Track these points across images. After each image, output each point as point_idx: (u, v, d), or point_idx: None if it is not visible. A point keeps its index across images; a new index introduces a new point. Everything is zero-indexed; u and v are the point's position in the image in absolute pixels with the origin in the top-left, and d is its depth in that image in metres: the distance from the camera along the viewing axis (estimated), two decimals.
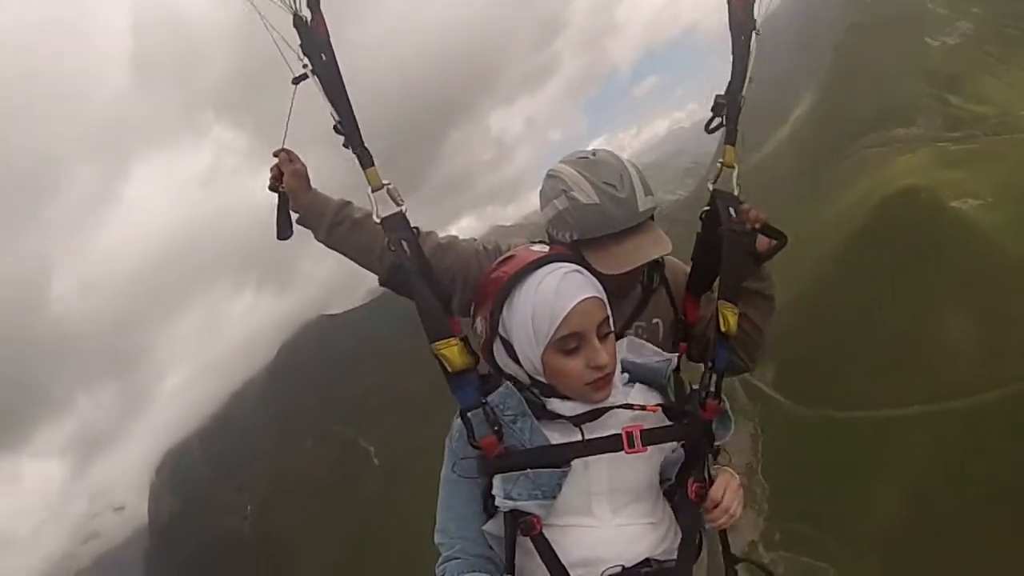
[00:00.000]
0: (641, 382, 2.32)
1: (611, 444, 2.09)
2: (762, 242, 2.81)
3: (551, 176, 2.69)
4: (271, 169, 2.83)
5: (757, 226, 2.76)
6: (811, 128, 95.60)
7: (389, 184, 2.38)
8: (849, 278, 61.98)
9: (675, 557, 2.19)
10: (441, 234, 2.92)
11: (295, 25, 2.31)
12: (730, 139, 2.78)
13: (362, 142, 2.41)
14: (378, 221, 2.34)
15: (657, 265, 2.94)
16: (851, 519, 49.42)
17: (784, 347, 58.25)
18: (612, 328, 2.17)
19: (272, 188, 2.81)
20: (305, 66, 2.32)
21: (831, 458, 53.62)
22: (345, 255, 2.90)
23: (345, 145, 2.42)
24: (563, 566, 2.08)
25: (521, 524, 2.09)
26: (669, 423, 2.23)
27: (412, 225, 2.46)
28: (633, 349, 2.41)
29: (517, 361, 2.16)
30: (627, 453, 2.08)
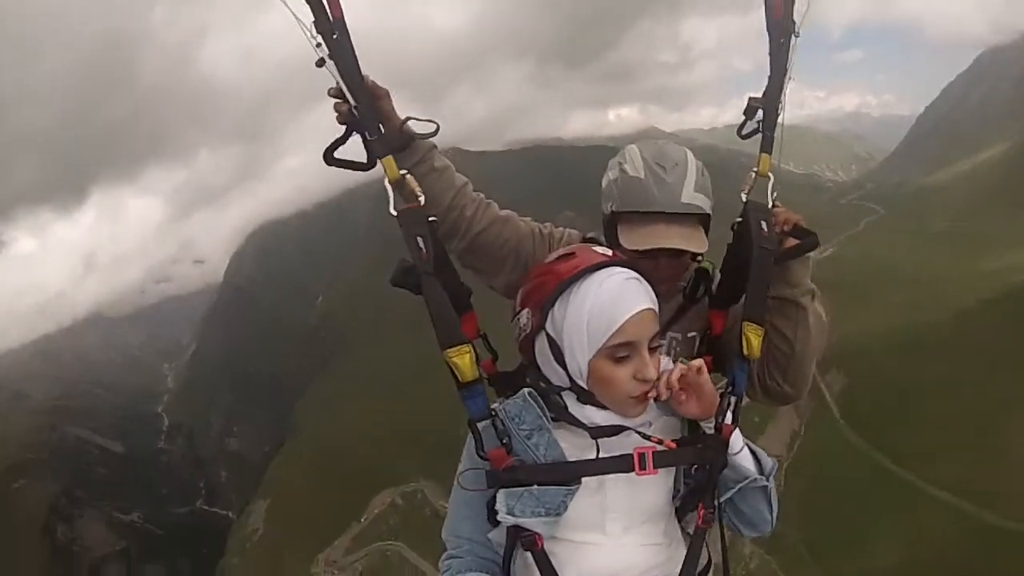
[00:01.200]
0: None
1: (621, 465, 2.04)
2: (790, 243, 2.65)
3: (620, 153, 2.72)
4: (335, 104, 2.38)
5: (787, 228, 2.63)
6: None
7: (407, 175, 2.27)
8: (990, 328, 60.20)
9: None
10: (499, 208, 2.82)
11: (308, 1, 2.16)
12: (766, 147, 2.66)
13: (377, 127, 2.28)
14: (394, 215, 2.21)
15: (704, 275, 2.80)
16: (839, 552, 50.45)
17: (870, 364, 57.06)
18: (659, 343, 2.12)
19: (343, 122, 2.36)
20: (318, 46, 2.17)
21: (855, 491, 53.24)
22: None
23: (358, 131, 2.30)
24: None
25: (523, 539, 2.06)
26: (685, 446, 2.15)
27: (474, 193, 2.56)
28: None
29: (561, 362, 2.07)
30: (637, 475, 2.03)
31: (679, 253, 2.60)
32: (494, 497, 2.05)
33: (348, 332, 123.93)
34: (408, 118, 2.40)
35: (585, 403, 2.08)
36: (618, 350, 1.97)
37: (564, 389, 2.10)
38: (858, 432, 59.58)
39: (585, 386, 2.05)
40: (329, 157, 2.41)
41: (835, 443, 59.69)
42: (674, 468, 2.15)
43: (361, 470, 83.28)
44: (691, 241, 2.54)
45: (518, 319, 2.18)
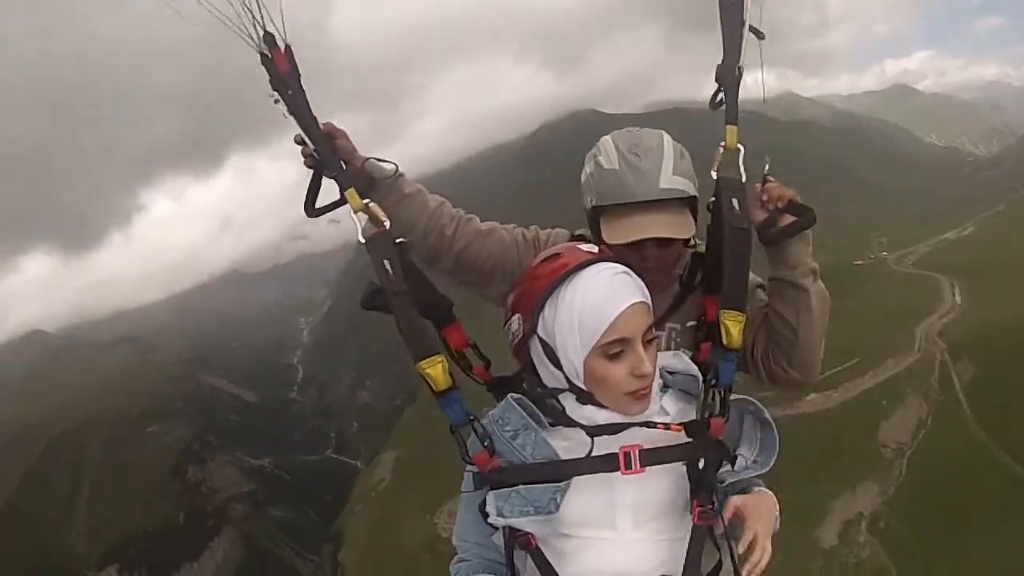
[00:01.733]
0: (680, 389, 2.24)
1: (606, 464, 2.02)
2: (786, 221, 2.54)
3: (594, 147, 2.67)
4: (300, 148, 2.50)
5: (781, 204, 2.53)
6: None
7: (370, 203, 2.30)
8: None
9: None
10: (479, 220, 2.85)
11: (262, 63, 2.27)
12: (730, 118, 2.49)
13: (339, 164, 2.37)
14: (362, 242, 2.25)
15: (700, 260, 2.66)
16: (950, 549, 48.88)
17: (1002, 355, 54.50)
18: (655, 335, 2.09)
19: (309, 165, 2.49)
20: (276, 101, 2.29)
21: (975, 488, 51.04)
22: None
23: (321, 171, 2.42)
24: None
25: (518, 539, 2.08)
26: (678, 442, 2.11)
27: (453, 210, 2.68)
28: (675, 360, 2.29)
29: (556, 363, 2.07)
30: (623, 474, 2.01)
31: (666, 242, 2.52)
32: (485, 500, 2.07)
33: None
34: (369, 158, 2.51)
35: (585, 403, 2.08)
36: (612, 347, 1.97)
37: (562, 391, 2.10)
38: (984, 427, 56.59)
39: (583, 386, 2.05)
40: (310, 208, 2.53)
41: (960, 436, 56.96)
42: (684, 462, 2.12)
43: None
44: (674, 228, 2.48)
45: (510, 325, 2.20)
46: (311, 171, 2.46)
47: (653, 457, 2.03)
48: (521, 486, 2.00)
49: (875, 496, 56.78)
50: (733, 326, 2.30)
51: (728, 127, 2.48)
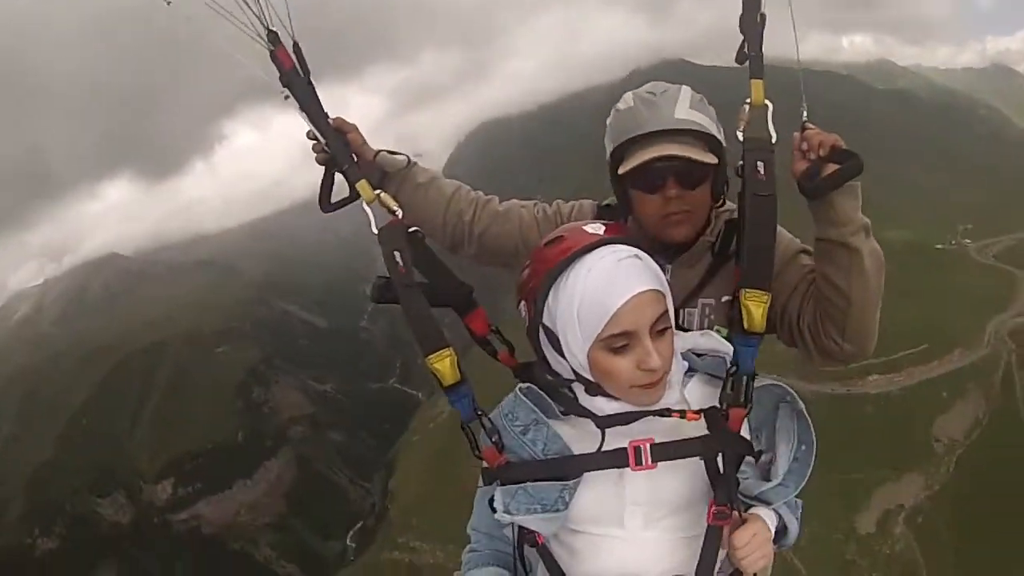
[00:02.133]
0: (707, 372, 2.09)
1: (616, 460, 1.92)
2: (829, 170, 2.24)
3: None
4: (312, 144, 2.53)
5: (823, 152, 2.24)
6: None
7: (381, 193, 2.28)
8: None
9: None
10: (499, 201, 2.81)
11: (272, 60, 2.27)
12: (755, 72, 2.26)
13: (350, 157, 2.37)
14: (376, 233, 2.21)
15: (735, 227, 2.42)
16: (985, 556, 47.75)
17: None
18: (671, 323, 1.92)
19: (321, 161, 2.52)
20: (286, 97, 2.30)
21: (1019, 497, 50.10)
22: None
23: (332, 166, 2.46)
24: None
25: (525, 536, 2.06)
26: (695, 434, 1.98)
27: (472, 193, 2.66)
28: (703, 340, 2.16)
29: (562, 353, 1.95)
30: (633, 470, 1.92)
31: (687, 178, 2.37)
32: (494, 495, 2.03)
33: None
34: (380, 151, 2.57)
35: (594, 394, 1.97)
36: (615, 340, 1.83)
37: (572, 381, 2.00)
38: None
39: (590, 378, 1.94)
40: (325, 203, 2.57)
41: (1015, 441, 54.97)
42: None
43: None
44: (689, 150, 2.32)
45: (519, 311, 2.08)
46: (323, 167, 2.51)
47: (666, 452, 1.93)
48: (528, 483, 1.96)
49: (919, 489, 55.86)
50: (755, 307, 2.11)
51: (753, 81, 2.26)
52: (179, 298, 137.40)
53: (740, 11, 2.28)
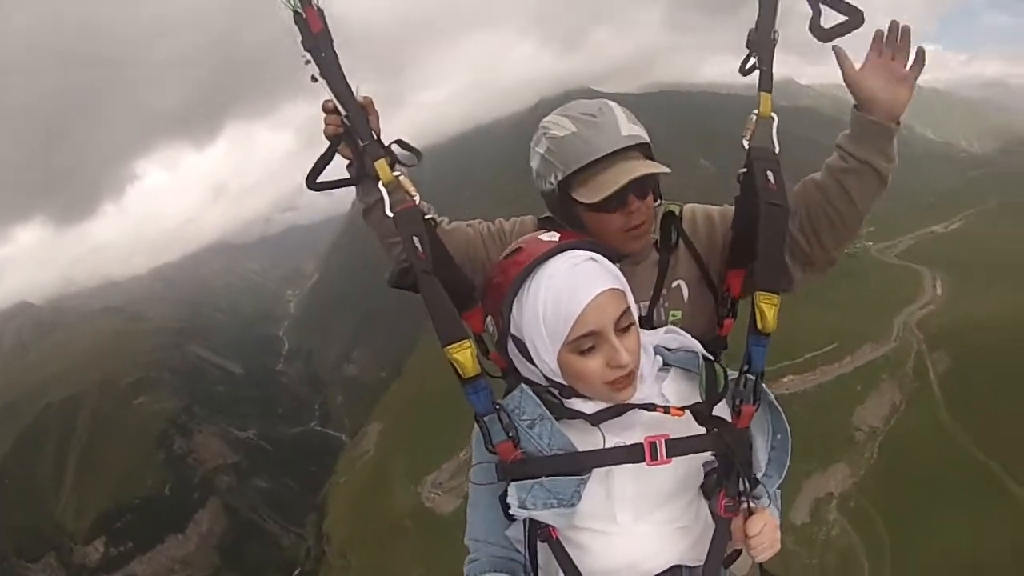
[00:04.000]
0: (682, 367, 2.15)
1: (633, 455, 1.96)
2: (834, 25, 2.34)
3: (537, 132, 2.51)
4: (326, 116, 2.40)
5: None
6: None
7: (400, 175, 2.25)
8: None
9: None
10: (444, 218, 2.75)
11: (295, 22, 2.19)
12: (764, 85, 2.36)
13: (371, 133, 2.29)
14: (391, 215, 2.20)
15: (672, 219, 2.58)
16: (913, 534, 50.32)
17: (979, 349, 56.42)
18: (634, 319, 1.98)
19: (332, 134, 2.38)
20: (307, 62, 2.20)
21: (941, 476, 53.24)
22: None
23: (349, 140, 2.37)
24: (579, 572, 2.05)
25: (539, 531, 2.05)
26: (700, 429, 2.04)
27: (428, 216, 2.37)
28: (668, 337, 2.21)
29: (532, 361, 2.01)
30: (648, 465, 1.96)
31: (644, 190, 2.38)
32: (506, 491, 2.01)
33: None
34: (395, 141, 2.38)
35: (568, 397, 2.02)
36: (582, 342, 1.89)
37: (547, 387, 2.04)
38: (954, 416, 57.67)
39: (563, 382, 1.99)
40: (312, 180, 2.39)
41: (931, 423, 58.09)
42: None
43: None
44: (652, 165, 2.35)
45: (487, 326, 2.16)
46: (328, 142, 2.39)
47: (680, 447, 1.99)
48: (544, 478, 1.96)
49: (846, 477, 57.68)
50: (768, 309, 2.17)
51: (762, 94, 2.37)
52: (91, 347, 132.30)
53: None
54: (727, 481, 2.05)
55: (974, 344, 61.86)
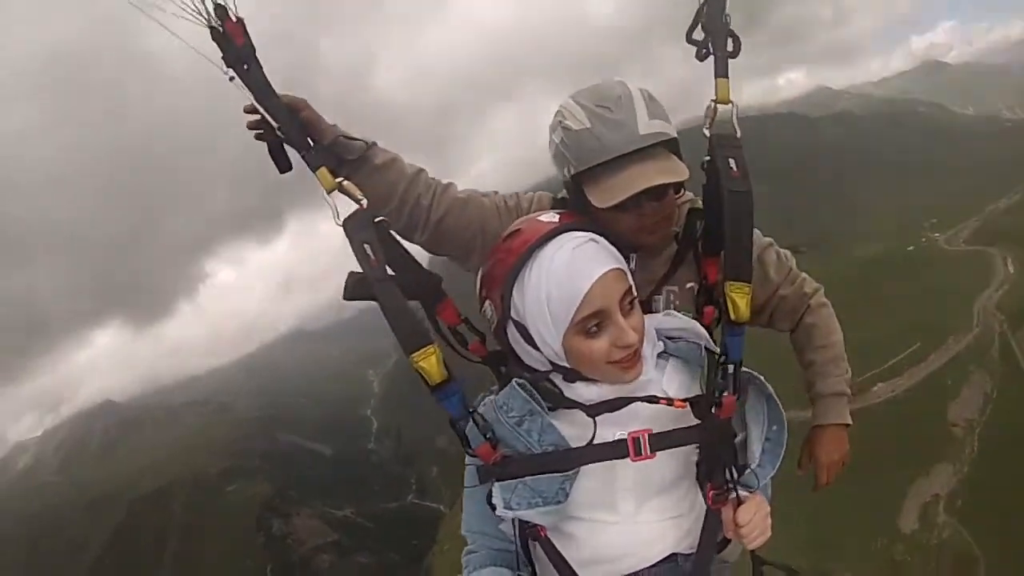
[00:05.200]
0: (681, 357, 2.11)
1: (616, 451, 1.94)
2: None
3: (555, 114, 2.37)
4: (253, 122, 2.25)
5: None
6: None
7: (343, 181, 2.10)
8: None
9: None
10: (461, 187, 2.60)
11: (213, 39, 2.04)
12: (720, 71, 2.27)
13: (307, 143, 2.15)
14: (339, 224, 2.05)
15: (698, 215, 2.40)
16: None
17: None
18: (635, 296, 1.93)
19: (261, 137, 2.24)
20: (231, 78, 2.08)
21: None
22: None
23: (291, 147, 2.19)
24: (571, 568, 2.04)
25: (528, 529, 2.05)
26: (695, 421, 2.02)
27: (430, 179, 2.41)
28: (667, 319, 2.16)
29: (535, 346, 1.94)
30: (633, 461, 1.94)
31: (661, 192, 2.24)
32: (491, 492, 1.99)
33: None
34: (339, 136, 2.29)
35: (573, 381, 1.98)
36: (588, 323, 1.84)
37: (549, 372, 1.99)
38: None
39: (567, 365, 1.94)
40: (284, 164, 2.25)
41: None
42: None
43: None
44: (667, 172, 2.19)
45: (484, 311, 2.07)
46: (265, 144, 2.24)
47: (663, 441, 1.97)
48: (528, 477, 1.93)
49: (950, 476, 55.52)
50: (740, 299, 2.13)
51: (718, 80, 2.28)
52: (177, 440, 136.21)
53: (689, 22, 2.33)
54: (714, 472, 2.06)
55: None
